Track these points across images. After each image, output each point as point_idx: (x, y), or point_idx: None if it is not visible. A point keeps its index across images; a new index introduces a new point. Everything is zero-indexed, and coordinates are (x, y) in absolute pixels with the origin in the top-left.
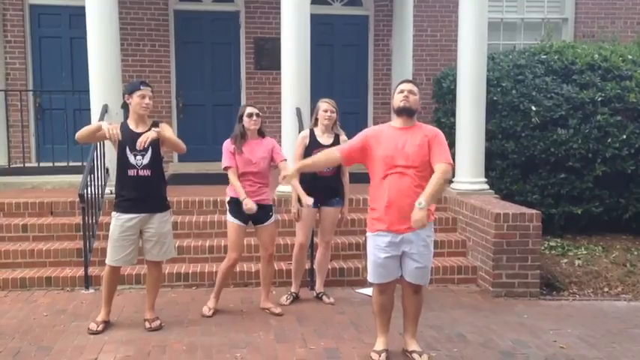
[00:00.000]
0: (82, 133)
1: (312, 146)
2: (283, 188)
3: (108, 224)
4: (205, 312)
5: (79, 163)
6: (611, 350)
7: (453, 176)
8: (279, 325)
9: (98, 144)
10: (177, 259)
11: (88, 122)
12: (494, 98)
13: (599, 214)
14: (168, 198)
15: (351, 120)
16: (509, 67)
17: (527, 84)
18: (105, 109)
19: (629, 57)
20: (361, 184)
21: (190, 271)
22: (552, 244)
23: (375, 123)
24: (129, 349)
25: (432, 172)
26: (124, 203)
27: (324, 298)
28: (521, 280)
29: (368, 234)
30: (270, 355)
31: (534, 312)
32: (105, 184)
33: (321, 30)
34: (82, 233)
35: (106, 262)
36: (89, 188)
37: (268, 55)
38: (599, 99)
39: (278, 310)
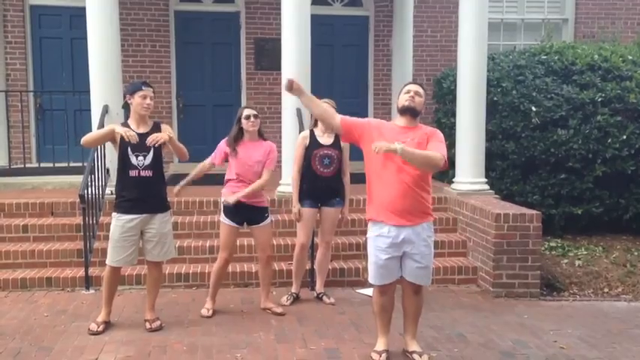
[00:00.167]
0: (89, 138)
1: (313, 146)
2: (283, 189)
3: (108, 225)
4: (204, 313)
5: (80, 164)
6: (611, 350)
7: (453, 176)
8: (280, 325)
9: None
10: (177, 260)
11: (89, 122)
12: (495, 99)
13: (600, 214)
14: (168, 198)
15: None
16: (510, 67)
17: (528, 84)
18: (105, 110)
19: (630, 57)
20: (362, 185)
21: (191, 272)
22: (552, 244)
23: None
24: (129, 349)
25: (430, 173)
26: (124, 204)
27: (324, 298)
28: (522, 280)
29: (368, 235)
30: (270, 355)
31: (535, 312)
32: (105, 185)
33: (322, 30)
34: (82, 234)
35: (107, 262)
36: (90, 189)
37: (268, 56)
38: (600, 99)
39: (279, 310)
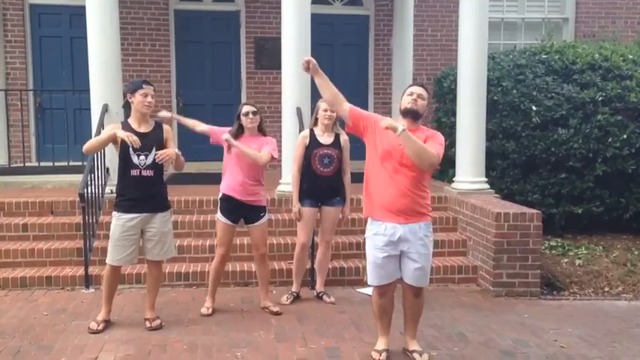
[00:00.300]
0: (91, 145)
1: (313, 146)
2: (283, 188)
3: (108, 224)
4: (204, 312)
5: (80, 163)
6: (611, 350)
7: (454, 176)
8: (280, 324)
9: None
10: (177, 259)
11: (89, 121)
12: (495, 98)
13: (600, 213)
14: (168, 198)
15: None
16: (510, 66)
17: (528, 84)
18: (105, 109)
19: (630, 57)
20: (362, 184)
21: (191, 271)
22: (553, 243)
23: None
24: (129, 348)
25: (429, 174)
26: (125, 203)
27: (324, 297)
28: (522, 279)
29: (366, 235)
30: (270, 354)
31: (535, 311)
32: (105, 184)
33: (322, 30)
34: (82, 232)
35: (107, 261)
36: (89, 188)
37: (269, 55)
38: (600, 99)
39: (276, 309)
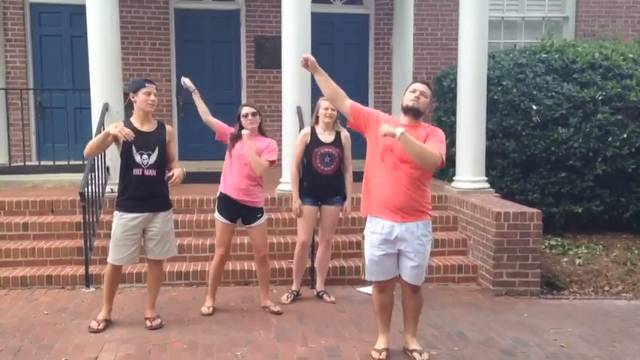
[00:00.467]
0: (90, 148)
1: (314, 144)
2: (284, 187)
3: (108, 223)
4: (204, 311)
5: (80, 162)
6: (611, 349)
7: (454, 175)
8: (280, 323)
9: None
10: (177, 258)
11: (89, 120)
12: (495, 97)
13: (600, 212)
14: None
15: None
16: (510, 65)
17: (528, 83)
18: (105, 108)
19: (630, 55)
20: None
21: (191, 270)
22: (553, 242)
23: None
24: (130, 347)
25: (430, 173)
26: (127, 202)
27: (324, 296)
28: (522, 278)
29: (364, 232)
30: (270, 353)
31: (535, 311)
32: (106, 183)
33: (322, 29)
34: (82, 232)
35: (108, 260)
36: (90, 187)
37: (269, 54)
38: (600, 98)
39: (277, 309)
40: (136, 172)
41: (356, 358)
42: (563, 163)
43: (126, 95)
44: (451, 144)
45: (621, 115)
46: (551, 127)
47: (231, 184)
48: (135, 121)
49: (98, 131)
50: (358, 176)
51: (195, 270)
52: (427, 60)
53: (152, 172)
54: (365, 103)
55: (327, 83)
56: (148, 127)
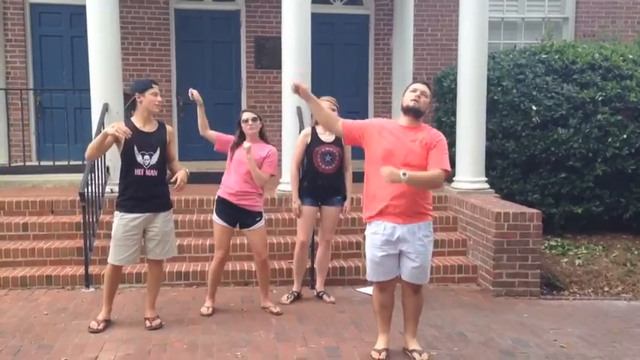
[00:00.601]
0: (90, 150)
1: (314, 144)
2: (284, 187)
3: (108, 223)
4: (204, 311)
5: (80, 162)
6: (611, 350)
7: (454, 175)
8: (280, 323)
9: None
10: (177, 258)
11: (89, 121)
12: (495, 97)
13: (600, 213)
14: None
15: (352, 119)
16: (510, 66)
17: (528, 83)
18: (105, 108)
19: (630, 56)
20: (362, 183)
21: (191, 270)
22: (552, 243)
23: None
24: (129, 347)
25: None
26: (128, 202)
27: (324, 297)
28: (522, 279)
29: (366, 233)
30: (270, 353)
31: (535, 311)
32: (105, 183)
33: (322, 29)
34: (82, 232)
35: (109, 261)
36: (90, 187)
37: (269, 54)
38: (600, 98)
39: (277, 310)
40: (138, 172)
41: (356, 359)
42: (563, 163)
43: (126, 95)
44: (451, 144)
45: (621, 116)
46: (551, 128)
47: (229, 188)
48: (137, 121)
49: (98, 131)
50: (358, 176)
51: (195, 270)
52: (427, 60)
53: (153, 173)
54: (365, 103)
55: (319, 110)
56: (150, 128)
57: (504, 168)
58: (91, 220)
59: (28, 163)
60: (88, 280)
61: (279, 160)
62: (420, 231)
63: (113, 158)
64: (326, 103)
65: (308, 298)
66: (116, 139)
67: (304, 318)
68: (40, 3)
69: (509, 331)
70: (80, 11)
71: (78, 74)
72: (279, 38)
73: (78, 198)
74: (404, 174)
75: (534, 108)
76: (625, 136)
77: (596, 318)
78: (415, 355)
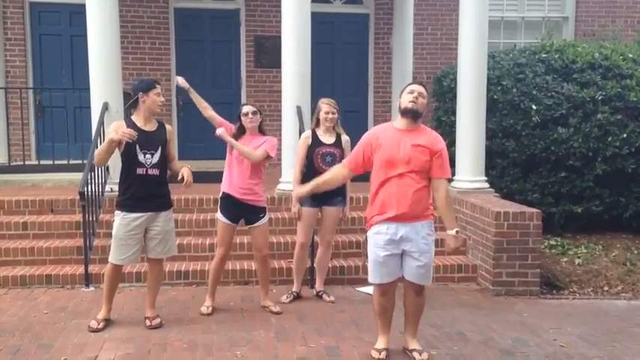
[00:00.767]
0: (99, 156)
1: (315, 145)
2: (283, 186)
3: (108, 222)
4: (204, 311)
5: (79, 161)
6: (611, 349)
7: (454, 175)
8: (280, 323)
9: (98, 142)
10: (177, 257)
11: (89, 120)
12: (495, 97)
13: (600, 212)
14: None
15: (352, 118)
16: (510, 65)
17: (528, 83)
18: (105, 107)
19: (630, 55)
20: (362, 183)
21: (191, 269)
22: (552, 242)
23: (375, 121)
24: (129, 346)
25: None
26: (129, 202)
27: (324, 296)
28: (522, 278)
29: (368, 233)
30: (270, 353)
31: (534, 311)
32: (105, 182)
33: (322, 28)
34: (82, 231)
35: (110, 260)
36: (89, 186)
37: (268, 54)
38: (600, 98)
39: (277, 309)
40: (140, 171)
41: (356, 358)
42: (563, 163)
43: (127, 95)
44: (451, 144)
45: (621, 115)
46: (550, 127)
47: (232, 183)
48: (138, 120)
49: (98, 131)
50: (358, 176)
51: (195, 269)
52: (427, 60)
53: (155, 172)
54: (365, 102)
55: (328, 183)
56: (150, 127)
57: (504, 167)
58: (90, 219)
59: (27, 162)
60: (88, 279)
61: (279, 159)
62: (423, 229)
63: (113, 157)
64: (326, 107)
65: (308, 297)
66: (120, 141)
67: (304, 317)
68: (39, 2)
69: (509, 331)
70: (80, 10)
71: (78, 73)
72: (279, 37)
73: (78, 197)
74: (457, 231)
75: (534, 107)
76: (625, 135)
77: (596, 317)
78: (415, 354)
